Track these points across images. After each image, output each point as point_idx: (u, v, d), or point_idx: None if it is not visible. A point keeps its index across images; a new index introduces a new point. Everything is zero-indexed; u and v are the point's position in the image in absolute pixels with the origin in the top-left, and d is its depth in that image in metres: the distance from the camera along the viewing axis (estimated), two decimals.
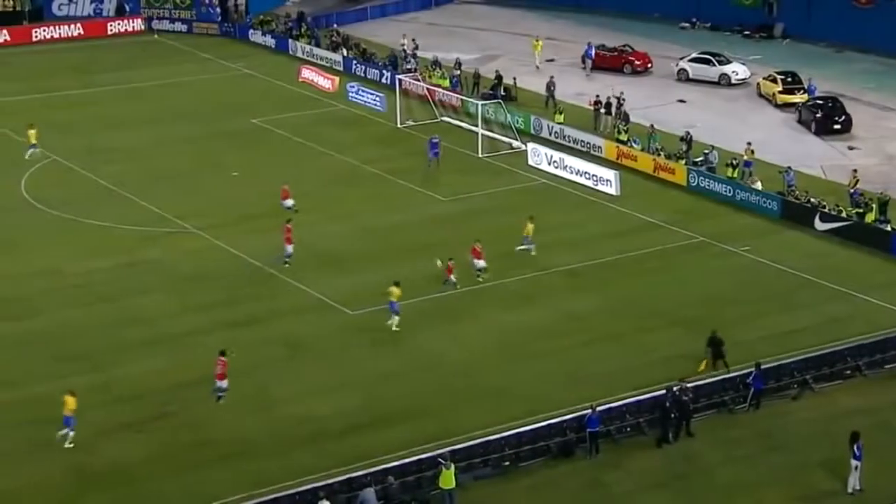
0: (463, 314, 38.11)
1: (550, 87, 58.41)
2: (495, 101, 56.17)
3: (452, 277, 39.25)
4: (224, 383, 32.73)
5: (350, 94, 59.38)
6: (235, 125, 55.75)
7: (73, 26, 71.11)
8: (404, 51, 66.22)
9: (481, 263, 40.01)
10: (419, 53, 65.20)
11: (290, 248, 40.78)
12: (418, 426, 31.87)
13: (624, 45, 66.30)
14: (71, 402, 31.01)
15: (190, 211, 45.52)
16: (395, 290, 36.82)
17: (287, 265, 40.46)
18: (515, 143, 52.98)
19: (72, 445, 30.77)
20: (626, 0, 76.14)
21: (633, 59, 65.01)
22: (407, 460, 29.65)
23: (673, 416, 31.40)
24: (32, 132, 50.31)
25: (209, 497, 28.93)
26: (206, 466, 30.33)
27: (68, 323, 37.12)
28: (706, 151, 49.87)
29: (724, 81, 62.48)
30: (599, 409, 31.25)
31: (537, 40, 65.56)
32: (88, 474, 30.01)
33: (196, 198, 47.21)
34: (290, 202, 44.95)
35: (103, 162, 50.01)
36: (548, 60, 66.17)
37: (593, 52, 65.15)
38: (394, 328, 36.67)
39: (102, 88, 61.21)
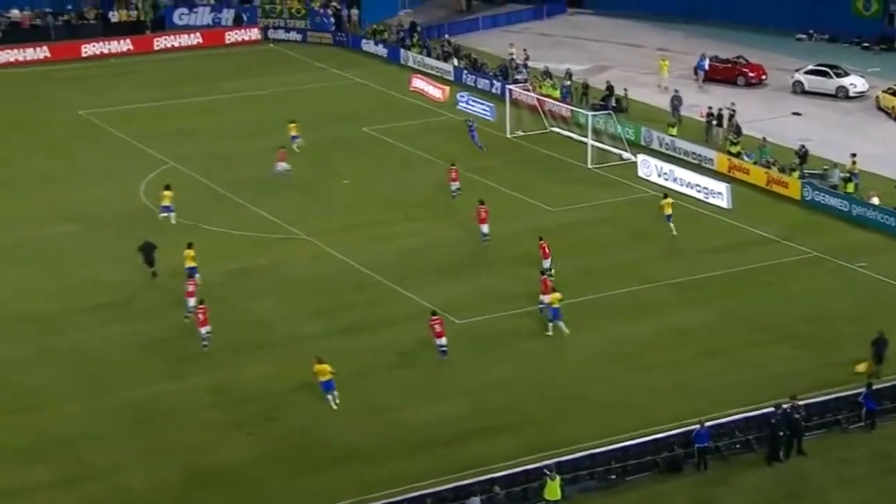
0: (569, 325, 37.91)
1: (675, 101, 57.85)
2: (606, 112, 55.90)
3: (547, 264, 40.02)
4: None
5: (460, 103, 59.65)
6: (347, 133, 56.40)
7: (192, 35, 72.73)
8: (513, 60, 66.29)
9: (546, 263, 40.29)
10: (530, 64, 65.22)
11: (485, 228, 43.09)
12: (525, 436, 31.87)
13: (738, 57, 65.42)
14: (324, 368, 32.59)
15: (301, 218, 46.18)
16: (556, 296, 36.94)
17: (486, 243, 42.68)
18: (625, 155, 52.65)
19: (336, 406, 32.80)
20: (741, 11, 75.13)
21: (746, 70, 64.12)
22: (513, 470, 29.65)
23: (784, 434, 30.84)
24: (293, 125, 52.80)
25: (319, 500, 29.35)
26: (316, 470, 30.73)
27: (183, 325, 37.89)
28: (826, 167, 48.91)
29: (841, 94, 61.24)
30: (708, 424, 30.86)
31: (664, 59, 63.99)
32: (201, 474, 30.63)
33: (308, 205, 47.86)
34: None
35: (219, 169, 51.01)
36: (647, 73, 65.60)
37: (706, 63, 64.42)
38: (564, 331, 36.80)
39: (220, 96, 62.47)
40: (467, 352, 36.49)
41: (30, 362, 35.54)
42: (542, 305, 38.04)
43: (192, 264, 39.92)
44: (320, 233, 44.75)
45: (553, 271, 39.86)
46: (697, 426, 30.70)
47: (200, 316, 36.26)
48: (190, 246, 40.18)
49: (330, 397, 33.24)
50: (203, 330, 36.19)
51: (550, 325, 37.21)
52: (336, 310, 39.01)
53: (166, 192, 45.74)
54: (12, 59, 67.82)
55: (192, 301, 37.44)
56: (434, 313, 36.44)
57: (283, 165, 49.46)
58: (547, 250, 40.59)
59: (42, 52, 68.70)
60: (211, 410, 33.06)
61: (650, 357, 36.00)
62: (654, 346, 36.66)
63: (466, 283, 40.54)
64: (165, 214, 45.14)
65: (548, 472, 28.91)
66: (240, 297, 39.77)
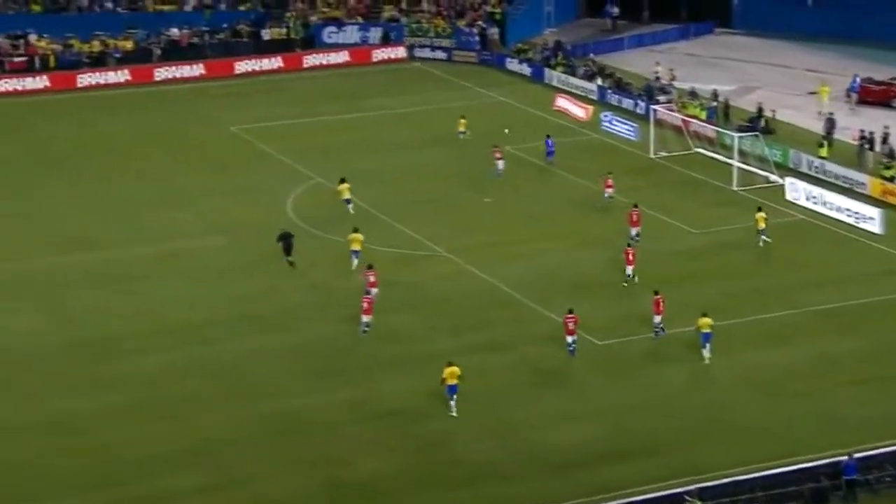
0: (712, 349, 37.17)
1: (828, 124, 56.33)
2: (752, 133, 54.74)
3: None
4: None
5: (603, 123, 59.19)
6: (489, 152, 56.43)
7: (340, 53, 73.93)
8: (659, 80, 65.51)
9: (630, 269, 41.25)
10: (676, 84, 64.36)
11: (633, 231, 44.14)
12: (663, 460, 31.33)
13: (893, 78, 63.36)
14: (453, 371, 33.04)
15: (442, 235, 46.38)
16: (706, 321, 36.19)
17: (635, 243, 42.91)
18: (772, 177, 51.45)
19: (454, 415, 33.07)
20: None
21: None
22: (652, 495, 29.12)
23: None
24: (463, 121, 55.62)
25: None
26: (452, 487, 30.73)
27: (326, 338, 38.43)
28: None
29: None
30: (857, 456, 29.80)
31: (824, 85, 61.62)
32: (340, 487, 30.91)
33: (449, 222, 48.05)
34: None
35: (363, 185, 51.59)
36: (809, 93, 64.01)
37: (858, 84, 62.57)
38: (706, 358, 36.21)
39: (366, 114, 63.26)
40: (607, 373, 36.09)
41: (181, 371, 36.47)
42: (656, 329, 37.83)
43: (358, 248, 42.69)
44: (462, 250, 44.86)
45: (635, 278, 40.95)
46: (846, 457, 29.67)
47: (365, 305, 38.29)
48: (356, 230, 42.70)
49: (453, 403, 33.36)
50: (365, 318, 38.05)
51: (704, 350, 36.42)
52: (476, 327, 39.02)
53: (343, 186, 48.25)
54: (170, 77, 70.01)
55: (374, 290, 39.70)
56: (570, 311, 36.76)
57: (501, 164, 51.79)
58: (630, 258, 41.26)
59: (198, 69, 70.74)
60: (351, 424, 33.39)
61: (795, 384, 35.03)
62: (800, 373, 35.66)
63: (607, 304, 40.10)
64: (349, 206, 47.95)
65: (689, 498, 28.33)
66: (380, 312, 40.04)
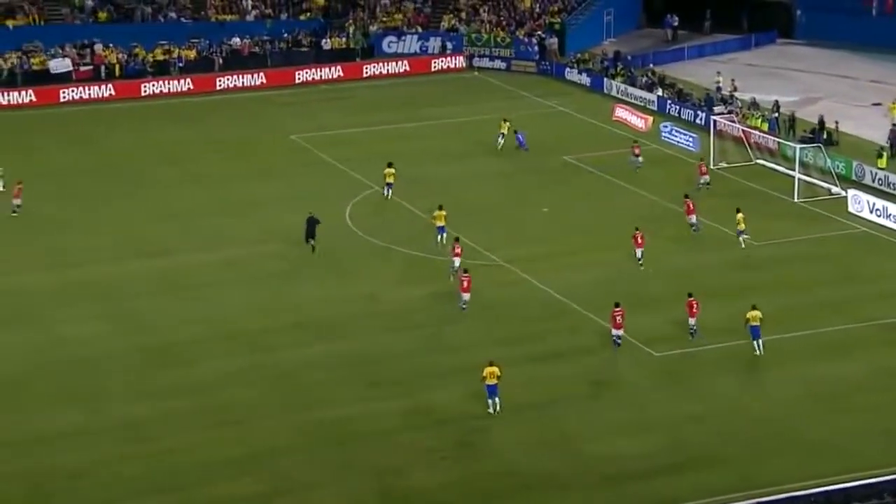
0: (770, 362, 36.76)
1: (892, 136, 55.45)
2: (814, 145, 54.02)
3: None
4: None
5: (663, 133, 58.75)
6: (547, 162, 56.29)
7: (400, 62, 74.15)
8: (720, 90, 64.91)
9: (639, 252, 43.25)
10: (737, 95, 63.72)
11: (692, 218, 45.93)
12: (721, 474, 30.96)
13: None
14: (493, 371, 33.60)
15: (500, 244, 46.25)
16: (756, 314, 36.83)
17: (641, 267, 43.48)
18: (835, 190, 50.71)
19: (494, 412, 33.63)
20: None
21: None
22: None
23: None
24: (506, 124, 56.52)
25: None
26: (508, 497, 30.60)
27: (381, 347, 38.45)
28: None
29: None
30: None
31: (895, 103, 60.28)
32: (393, 496, 30.90)
33: (506, 232, 47.92)
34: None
35: (421, 194, 51.65)
36: (874, 104, 63.07)
37: None
38: (758, 350, 36.81)
39: (424, 123, 63.33)
40: (663, 385, 35.73)
41: (239, 378, 36.66)
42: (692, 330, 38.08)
43: (442, 223, 45.37)
44: (518, 259, 44.70)
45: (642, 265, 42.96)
46: None
47: (465, 283, 40.17)
48: (441, 207, 45.46)
49: (490, 402, 33.49)
50: (465, 296, 39.95)
51: (756, 343, 36.76)
52: (531, 336, 38.85)
53: (389, 170, 50.52)
54: (232, 85, 70.63)
55: (457, 261, 42.35)
56: (617, 304, 37.27)
57: (636, 160, 53.48)
58: (639, 239, 43.40)
59: (259, 78, 71.29)
60: (405, 433, 33.35)
61: (858, 398, 34.45)
62: (863, 388, 35.08)
63: (664, 315, 39.72)
64: (388, 192, 50.34)
65: None
66: (436, 321, 40.08)
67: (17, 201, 50.03)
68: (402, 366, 37.21)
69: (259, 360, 37.68)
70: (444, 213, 45.71)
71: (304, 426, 33.88)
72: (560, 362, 37.09)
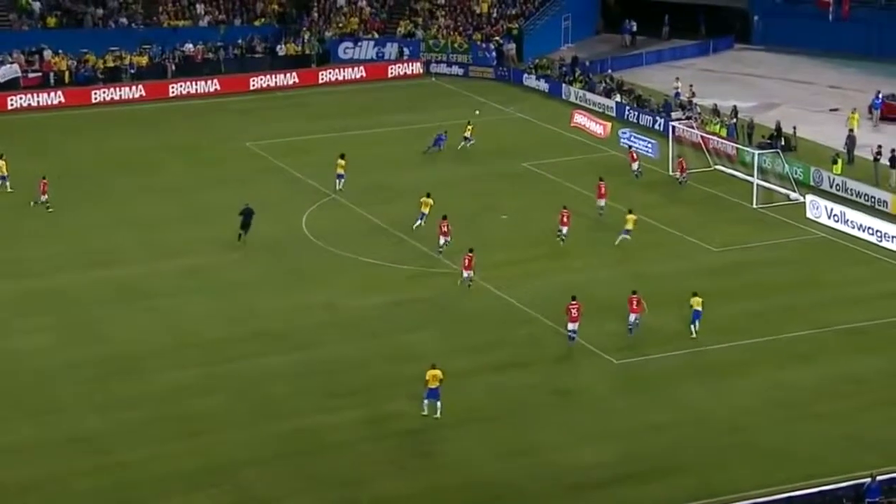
0: (730, 369, 37.26)
1: (849, 141, 56.27)
2: (773, 150, 54.75)
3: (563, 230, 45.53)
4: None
5: (622, 140, 59.27)
6: (506, 168, 56.62)
7: (356, 69, 74.27)
8: (677, 95, 65.61)
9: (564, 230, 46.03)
10: (696, 100, 64.42)
11: (601, 202, 48.25)
12: (681, 482, 31.34)
13: None
14: (435, 374, 33.72)
15: (459, 252, 46.31)
16: (697, 300, 38.95)
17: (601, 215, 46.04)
18: (793, 195, 51.44)
19: (433, 416, 33.91)
20: None
21: None
22: None
23: None
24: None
25: None
26: None
27: (340, 357, 38.53)
28: None
29: None
30: (880, 478, 29.73)
31: (854, 113, 59.63)
32: None
33: (465, 239, 48.05)
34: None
35: (379, 201, 51.77)
36: (831, 110, 64.00)
37: (881, 101, 62.51)
38: (694, 332, 38.76)
39: (381, 130, 63.50)
40: (625, 393, 36.10)
41: (197, 388, 36.59)
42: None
43: (426, 210, 47.31)
44: (477, 268, 44.86)
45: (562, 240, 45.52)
46: (868, 479, 29.59)
47: (466, 261, 42.33)
48: (428, 195, 47.66)
49: (427, 404, 33.91)
50: (466, 273, 42.32)
51: (692, 326, 38.72)
52: (492, 346, 39.08)
53: (341, 161, 52.06)
54: (185, 92, 70.43)
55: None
56: (574, 298, 38.02)
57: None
58: (565, 218, 45.94)
59: (213, 85, 71.12)
60: (366, 443, 33.45)
61: (819, 405, 34.98)
62: (824, 394, 35.62)
63: (624, 322, 40.07)
64: (340, 183, 51.92)
65: None
66: (395, 331, 40.20)
67: (43, 197, 51.10)
68: (361, 375, 37.32)
69: (217, 371, 37.65)
70: (430, 200, 47.48)
71: (264, 437, 33.89)
72: (521, 371, 37.34)
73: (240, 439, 33.81)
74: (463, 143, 58.47)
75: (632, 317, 38.83)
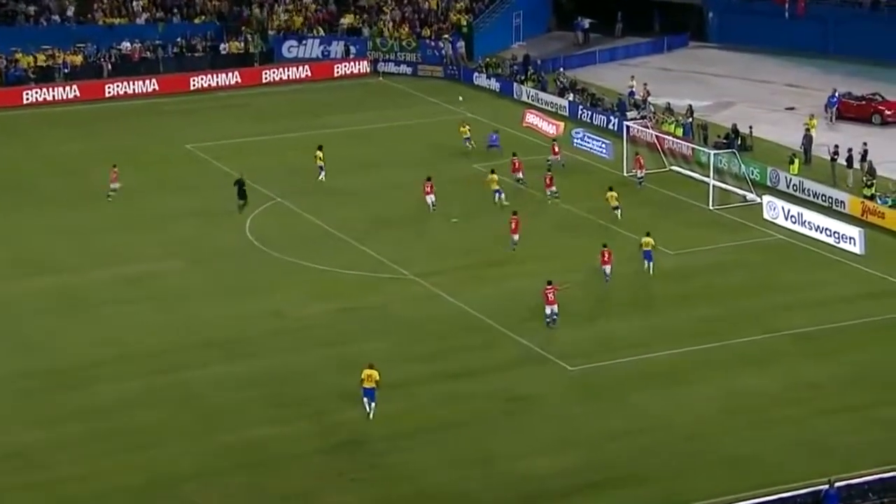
0: (688, 375, 37.85)
1: (805, 140, 57.29)
2: (729, 150, 55.62)
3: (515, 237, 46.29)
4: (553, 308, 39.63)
5: (575, 140, 59.88)
6: (456, 170, 56.97)
7: (301, 68, 74.33)
8: (632, 94, 66.35)
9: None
10: (650, 100, 65.23)
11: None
12: (641, 490, 31.83)
13: (873, 94, 64.57)
14: (372, 374, 34.32)
15: (408, 257, 46.78)
16: (648, 240, 43.25)
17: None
18: (750, 196, 52.30)
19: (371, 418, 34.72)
20: (879, 47, 73.59)
21: (883, 108, 63.25)
22: None
23: None
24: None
25: None
26: None
27: (288, 366, 38.70)
28: None
29: None
30: (838, 484, 30.44)
31: (812, 118, 60.14)
32: None
33: (415, 244, 48.50)
34: (641, 173, 53.99)
35: (326, 205, 51.96)
36: (787, 108, 65.06)
37: (837, 99, 63.69)
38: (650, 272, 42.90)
39: (329, 130, 63.61)
40: (581, 400, 36.57)
41: (140, 400, 36.59)
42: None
43: (497, 186, 51.21)
44: (428, 273, 45.28)
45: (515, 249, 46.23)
46: (826, 486, 30.30)
47: (513, 224, 45.99)
48: (493, 171, 51.50)
49: (366, 401, 34.74)
50: (515, 237, 46.17)
51: (648, 265, 43.71)
52: (445, 353, 39.43)
53: (319, 153, 54.68)
54: (122, 93, 70.15)
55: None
56: (550, 282, 39.84)
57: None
58: (513, 224, 46.66)
59: (151, 84, 70.93)
60: (315, 455, 33.66)
61: (775, 411, 35.64)
62: (780, 400, 36.29)
63: (581, 328, 40.64)
64: (322, 175, 54.05)
65: None
66: (345, 338, 40.43)
67: (115, 185, 52.79)
68: (310, 385, 37.53)
69: (161, 382, 37.67)
70: (496, 176, 51.30)
71: (210, 450, 34.00)
72: (475, 379, 37.70)
73: (184, 452, 33.88)
74: (466, 145, 58.95)
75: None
